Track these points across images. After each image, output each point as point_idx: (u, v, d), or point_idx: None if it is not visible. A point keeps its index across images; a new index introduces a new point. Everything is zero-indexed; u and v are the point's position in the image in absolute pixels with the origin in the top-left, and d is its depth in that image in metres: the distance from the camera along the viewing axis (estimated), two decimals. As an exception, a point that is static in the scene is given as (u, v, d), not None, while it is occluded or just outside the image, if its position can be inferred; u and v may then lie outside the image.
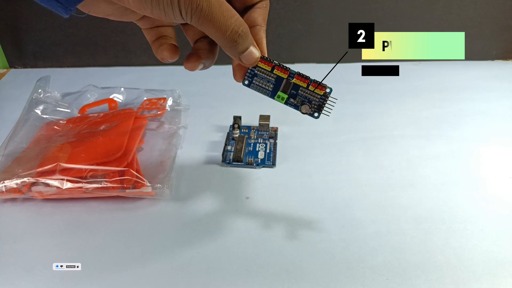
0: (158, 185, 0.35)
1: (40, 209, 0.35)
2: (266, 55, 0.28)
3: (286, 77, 0.29)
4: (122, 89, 0.49)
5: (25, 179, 0.34)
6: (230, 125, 0.45)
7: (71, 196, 0.35)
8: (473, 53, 0.60)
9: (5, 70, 0.60)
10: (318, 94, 0.29)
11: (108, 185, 0.34)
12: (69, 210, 0.35)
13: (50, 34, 0.57)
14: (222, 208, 0.35)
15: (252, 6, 0.28)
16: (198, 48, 0.28)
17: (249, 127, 0.45)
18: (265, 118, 0.45)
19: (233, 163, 0.40)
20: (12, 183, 0.34)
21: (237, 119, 0.44)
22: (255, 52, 0.27)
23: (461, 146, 0.42)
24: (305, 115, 0.30)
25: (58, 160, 0.35)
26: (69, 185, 0.34)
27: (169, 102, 0.47)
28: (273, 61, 0.28)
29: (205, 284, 0.29)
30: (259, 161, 0.40)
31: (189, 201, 0.36)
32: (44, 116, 0.45)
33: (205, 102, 0.50)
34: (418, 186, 0.37)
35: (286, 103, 0.30)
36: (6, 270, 0.30)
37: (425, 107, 0.49)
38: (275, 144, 0.42)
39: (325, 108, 0.29)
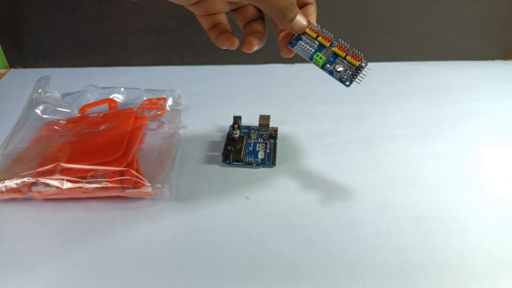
0: (158, 185, 0.35)
1: (40, 209, 0.35)
2: (316, 24, 0.32)
3: (328, 45, 0.31)
4: (122, 89, 0.49)
5: (25, 179, 0.34)
6: (230, 125, 0.45)
7: (71, 196, 0.35)
8: (473, 53, 0.60)
9: (5, 70, 0.60)
10: (354, 65, 0.31)
11: (108, 185, 0.34)
12: (69, 210, 0.35)
13: (50, 34, 0.58)
14: (222, 208, 0.35)
15: None
16: (251, 31, 0.32)
17: (249, 127, 0.45)
18: (265, 118, 0.45)
19: (233, 163, 0.40)
20: (12, 183, 0.34)
21: (237, 119, 0.44)
22: (302, 19, 0.30)
23: (461, 146, 0.42)
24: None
25: (58, 160, 0.35)
26: (69, 185, 0.34)
27: (169, 102, 0.47)
28: (319, 29, 0.31)
29: (205, 284, 0.29)
30: (259, 161, 0.40)
31: (189, 201, 0.36)
32: (44, 116, 0.45)
33: (205, 102, 0.50)
34: (418, 186, 0.37)
35: (322, 67, 0.32)
36: (6, 270, 0.30)
37: (425, 107, 0.49)
38: (275, 144, 0.42)
39: (357, 78, 0.31)
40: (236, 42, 0.32)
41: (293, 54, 0.33)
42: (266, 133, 0.44)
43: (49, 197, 0.35)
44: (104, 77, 0.57)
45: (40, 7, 0.55)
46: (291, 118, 0.47)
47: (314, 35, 0.31)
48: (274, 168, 0.40)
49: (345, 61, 0.31)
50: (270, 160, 0.40)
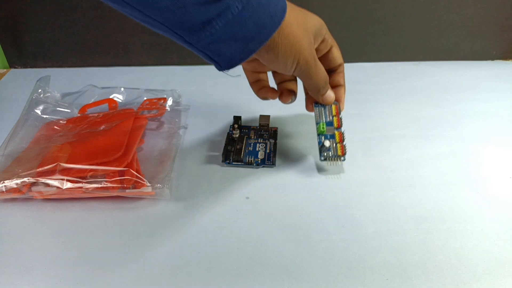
0: (158, 185, 0.35)
1: (40, 209, 0.35)
2: (343, 107, 0.40)
3: (336, 126, 0.39)
4: (122, 89, 0.49)
5: (25, 179, 0.34)
6: (230, 125, 0.45)
7: (71, 196, 0.35)
8: (473, 53, 0.60)
9: (5, 70, 0.60)
10: (337, 152, 0.38)
11: (108, 185, 0.34)
12: (69, 210, 0.35)
13: (50, 34, 0.58)
14: (222, 208, 0.35)
15: (332, 69, 0.39)
16: (287, 88, 0.39)
17: (249, 127, 0.45)
18: (265, 118, 0.45)
19: (233, 163, 0.40)
20: (12, 183, 0.34)
21: (237, 119, 0.44)
22: (331, 94, 0.38)
23: (461, 146, 0.42)
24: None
25: (58, 160, 0.35)
26: (69, 185, 0.34)
27: (169, 102, 0.47)
28: (340, 112, 0.40)
29: (205, 284, 0.29)
30: (259, 161, 0.40)
31: (189, 201, 0.36)
32: (44, 116, 0.44)
33: (205, 102, 0.50)
34: (418, 186, 0.37)
35: (318, 135, 0.39)
36: (6, 270, 0.30)
37: (425, 107, 0.49)
38: (275, 144, 0.42)
39: (330, 162, 0.38)
40: (277, 94, 0.39)
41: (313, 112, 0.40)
42: (266, 133, 0.44)
43: (49, 197, 0.35)
44: (104, 77, 0.57)
45: (40, 7, 0.55)
46: (291, 118, 0.47)
47: (334, 112, 0.39)
48: (274, 168, 0.40)
49: (334, 144, 0.38)
50: (270, 160, 0.40)
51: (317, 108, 0.39)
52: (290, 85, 0.39)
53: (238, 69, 0.34)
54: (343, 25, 0.57)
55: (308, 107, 0.41)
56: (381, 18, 0.56)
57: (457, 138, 0.43)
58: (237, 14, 0.27)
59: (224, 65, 0.30)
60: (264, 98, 0.40)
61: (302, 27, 0.32)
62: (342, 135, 0.39)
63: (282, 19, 0.30)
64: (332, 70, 0.39)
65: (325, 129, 0.38)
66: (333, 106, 0.39)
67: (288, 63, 0.32)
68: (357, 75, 0.55)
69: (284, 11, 0.30)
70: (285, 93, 0.39)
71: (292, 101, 0.39)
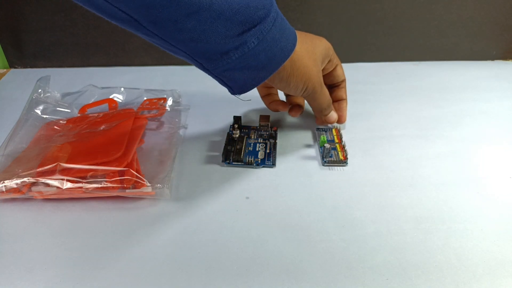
0: (158, 185, 0.35)
1: (40, 209, 0.35)
2: (345, 119, 0.44)
3: (337, 141, 0.42)
4: (122, 89, 0.49)
5: (25, 179, 0.34)
6: (230, 125, 0.45)
7: (71, 196, 0.35)
8: (473, 53, 0.60)
9: (5, 70, 0.60)
10: (339, 157, 0.40)
11: (108, 185, 0.34)
12: (69, 210, 0.35)
13: (50, 34, 0.58)
14: (222, 208, 0.35)
15: (335, 84, 0.43)
16: (295, 102, 0.43)
17: (249, 127, 0.45)
18: (265, 118, 0.45)
19: (233, 163, 0.40)
20: (12, 183, 0.34)
21: (237, 119, 0.44)
22: (334, 115, 0.42)
23: (461, 146, 0.42)
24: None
25: (58, 160, 0.35)
26: (69, 185, 0.34)
27: (169, 102, 0.47)
28: (340, 130, 0.43)
29: (205, 284, 0.29)
30: (259, 161, 0.40)
31: (189, 201, 0.36)
32: (44, 116, 0.45)
33: (205, 102, 0.50)
34: (418, 186, 0.37)
35: (320, 145, 0.41)
36: (6, 270, 0.30)
37: (425, 107, 0.49)
38: (275, 144, 0.42)
39: (328, 165, 0.40)
40: (287, 107, 0.43)
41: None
42: (266, 133, 0.44)
43: (49, 197, 0.35)
44: (104, 77, 0.57)
45: (40, 7, 0.55)
46: (291, 118, 0.47)
47: (334, 133, 0.43)
48: (274, 168, 0.40)
49: (335, 152, 0.40)
50: (270, 160, 0.40)
51: (318, 132, 0.44)
52: (298, 100, 0.43)
53: (249, 95, 0.36)
54: (343, 25, 0.57)
55: (317, 122, 0.45)
56: (381, 18, 0.56)
57: (457, 138, 0.43)
58: (253, 48, 0.30)
59: (236, 90, 0.33)
60: (275, 110, 0.44)
61: (311, 57, 0.36)
62: (343, 146, 0.41)
63: (291, 52, 0.32)
64: (335, 86, 0.44)
65: (325, 139, 0.41)
66: (333, 130, 0.44)
67: (298, 89, 0.36)
68: (357, 75, 0.55)
69: (294, 45, 0.33)
70: (295, 109, 0.43)
71: (300, 114, 0.43)
